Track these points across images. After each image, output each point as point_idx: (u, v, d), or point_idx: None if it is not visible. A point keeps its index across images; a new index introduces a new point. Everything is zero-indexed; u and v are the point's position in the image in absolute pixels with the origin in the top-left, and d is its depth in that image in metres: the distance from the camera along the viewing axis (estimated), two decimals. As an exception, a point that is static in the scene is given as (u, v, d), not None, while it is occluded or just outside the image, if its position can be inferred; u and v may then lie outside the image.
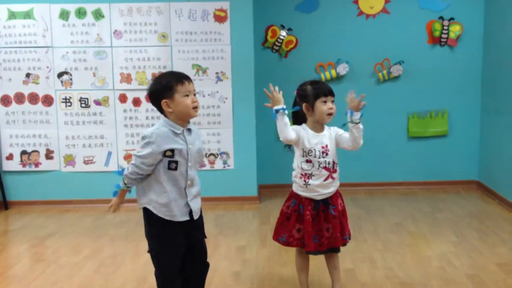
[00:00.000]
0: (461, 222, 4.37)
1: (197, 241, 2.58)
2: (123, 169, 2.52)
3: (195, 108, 2.46)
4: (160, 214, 2.45)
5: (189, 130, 2.49)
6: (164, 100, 2.42)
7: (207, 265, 2.66)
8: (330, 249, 2.80)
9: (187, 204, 2.49)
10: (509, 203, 4.64)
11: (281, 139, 2.76)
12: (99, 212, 4.87)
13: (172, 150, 2.40)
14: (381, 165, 5.48)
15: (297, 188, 2.80)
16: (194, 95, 2.47)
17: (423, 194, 5.29)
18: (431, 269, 3.39)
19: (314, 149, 2.73)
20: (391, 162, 5.48)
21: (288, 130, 2.72)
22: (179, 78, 2.44)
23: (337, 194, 2.83)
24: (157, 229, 2.48)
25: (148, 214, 2.48)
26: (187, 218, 2.49)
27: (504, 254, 3.64)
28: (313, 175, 2.74)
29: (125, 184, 2.52)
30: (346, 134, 2.79)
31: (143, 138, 2.43)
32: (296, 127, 2.81)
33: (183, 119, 2.46)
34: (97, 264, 3.60)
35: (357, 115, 2.68)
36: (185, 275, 2.60)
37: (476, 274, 3.28)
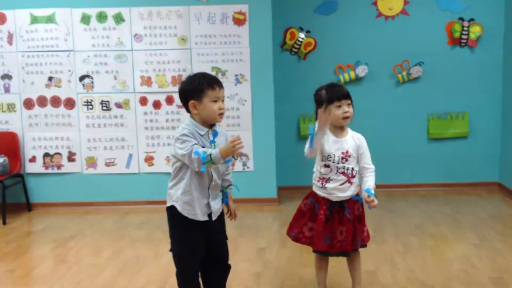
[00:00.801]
0: (483, 224, 4.33)
1: (218, 243, 2.61)
2: (203, 158, 2.34)
3: (221, 114, 2.47)
4: (184, 213, 2.48)
5: (215, 132, 2.52)
6: (192, 101, 2.44)
7: (228, 267, 2.68)
8: (342, 253, 2.77)
9: (208, 205, 2.51)
10: (532, 205, 4.60)
11: (307, 155, 2.70)
12: (120, 214, 4.93)
13: (202, 147, 2.42)
14: (401, 166, 5.45)
15: (316, 188, 2.81)
16: (222, 101, 2.48)
17: (444, 196, 5.25)
18: (453, 271, 3.36)
19: (334, 154, 2.71)
20: (411, 164, 5.45)
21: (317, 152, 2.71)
22: (211, 82, 2.45)
23: (356, 199, 2.77)
24: (179, 228, 2.51)
25: (172, 213, 2.51)
26: (206, 218, 2.51)
27: (528, 256, 3.60)
28: (331, 180, 2.73)
29: (213, 155, 2.34)
30: (365, 159, 2.74)
31: (180, 136, 2.40)
32: None
33: (207, 123, 2.49)
34: (119, 265, 3.64)
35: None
36: (207, 276, 2.63)
37: (500, 276, 3.25)
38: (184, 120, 2.56)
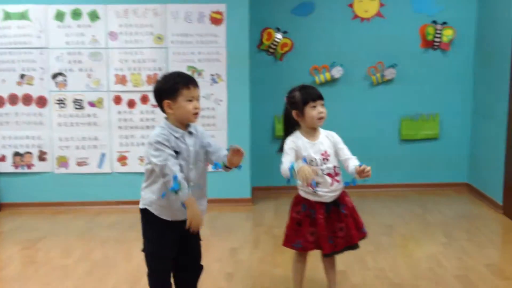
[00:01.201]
0: (451, 223, 4.41)
1: (192, 244, 2.60)
2: (174, 185, 2.34)
3: (196, 114, 2.45)
4: (162, 216, 2.46)
5: (190, 133, 2.49)
6: (166, 101, 2.43)
7: (201, 268, 2.68)
8: (347, 247, 2.80)
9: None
10: (498, 205, 4.69)
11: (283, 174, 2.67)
12: (91, 214, 4.88)
13: (177, 152, 2.41)
14: (373, 167, 5.30)
15: (306, 194, 2.77)
16: (198, 100, 2.47)
17: (414, 196, 5.32)
18: (421, 270, 3.42)
19: (315, 158, 2.71)
20: (383, 164, 5.50)
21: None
22: (186, 82, 2.43)
23: (343, 193, 2.82)
24: (153, 228, 2.49)
25: (147, 215, 2.49)
26: (184, 217, 2.43)
27: (493, 255, 3.70)
28: (319, 183, 2.72)
29: (182, 190, 2.35)
30: (345, 151, 2.77)
31: (154, 143, 2.38)
32: (292, 141, 2.74)
33: (182, 123, 2.47)
34: (89, 266, 3.60)
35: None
36: (179, 276, 2.62)
37: (465, 275, 3.32)
38: (159, 121, 2.53)
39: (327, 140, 2.77)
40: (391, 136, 5.52)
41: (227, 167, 2.54)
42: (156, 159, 2.36)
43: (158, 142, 2.38)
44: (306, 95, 2.74)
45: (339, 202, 2.77)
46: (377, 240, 4.01)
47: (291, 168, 2.55)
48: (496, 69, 4.85)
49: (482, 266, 3.46)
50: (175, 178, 2.33)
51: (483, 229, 4.24)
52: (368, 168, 2.62)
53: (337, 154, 2.79)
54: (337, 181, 2.75)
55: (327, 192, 2.73)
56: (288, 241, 2.81)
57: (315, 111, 2.71)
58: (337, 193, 2.76)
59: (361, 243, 3.83)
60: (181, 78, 2.45)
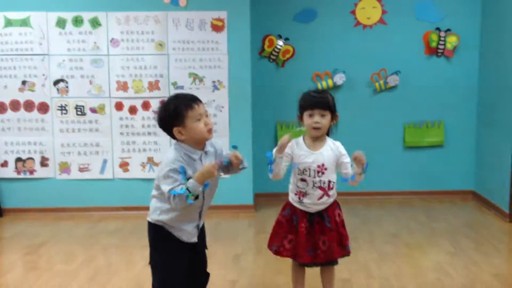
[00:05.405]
0: (457, 232, 4.36)
1: (199, 252, 2.56)
2: (188, 200, 2.25)
3: (210, 130, 2.34)
4: (174, 234, 2.42)
5: (206, 152, 2.40)
6: (175, 128, 2.31)
7: (207, 275, 2.65)
8: (328, 262, 2.74)
9: (197, 227, 2.47)
10: (505, 213, 4.65)
11: (272, 178, 2.64)
12: (93, 220, 4.85)
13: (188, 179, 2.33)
14: (378, 174, 5.45)
15: (292, 201, 2.74)
16: (207, 116, 2.36)
17: (419, 204, 5.29)
18: (428, 279, 3.37)
19: (309, 168, 2.62)
20: (387, 172, 5.47)
21: (281, 173, 2.63)
22: (188, 102, 2.30)
23: (334, 206, 2.74)
24: (167, 243, 2.43)
25: (159, 228, 2.43)
26: (195, 240, 2.46)
27: (500, 264, 3.65)
28: (307, 194, 2.65)
29: (190, 186, 2.25)
30: (347, 166, 2.68)
31: (168, 171, 2.27)
32: (289, 147, 2.63)
33: (198, 144, 2.37)
34: (91, 273, 3.57)
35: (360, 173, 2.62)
36: (186, 285, 2.58)
37: (472, 285, 3.27)
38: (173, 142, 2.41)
39: (330, 153, 2.66)
40: (395, 143, 5.49)
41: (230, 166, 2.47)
42: (165, 187, 2.26)
43: (172, 170, 2.26)
44: (305, 101, 2.64)
45: (324, 215, 2.69)
46: (382, 248, 3.97)
47: (269, 154, 2.56)
48: (502, 75, 4.83)
49: (489, 276, 3.41)
50: (173, 192, 2.23)
51: (490, 238, 4.19)
52: (360, 153, 2.58)
53: (338, 166, 2.70)
54: (328, 195, 2.66)
55: (312, 204, 2.67)
56: (269, 242, 2.80)
57: (310, 119, 2.60)
58: (322, 206, 2.68)
59: (366, 251, 3.87)
60: (181, 100, 2.32)
